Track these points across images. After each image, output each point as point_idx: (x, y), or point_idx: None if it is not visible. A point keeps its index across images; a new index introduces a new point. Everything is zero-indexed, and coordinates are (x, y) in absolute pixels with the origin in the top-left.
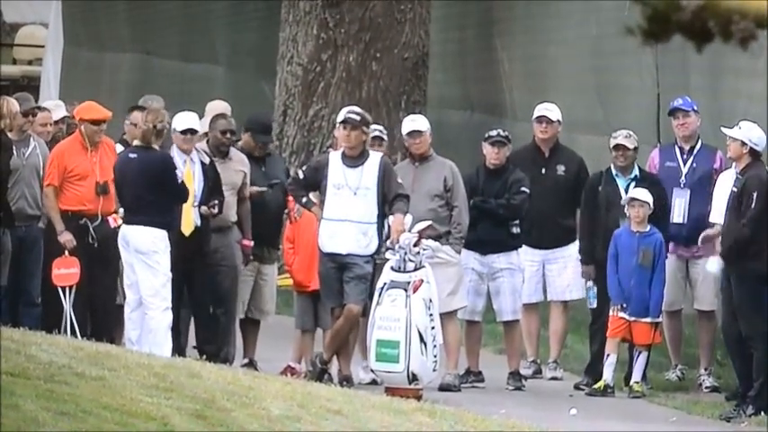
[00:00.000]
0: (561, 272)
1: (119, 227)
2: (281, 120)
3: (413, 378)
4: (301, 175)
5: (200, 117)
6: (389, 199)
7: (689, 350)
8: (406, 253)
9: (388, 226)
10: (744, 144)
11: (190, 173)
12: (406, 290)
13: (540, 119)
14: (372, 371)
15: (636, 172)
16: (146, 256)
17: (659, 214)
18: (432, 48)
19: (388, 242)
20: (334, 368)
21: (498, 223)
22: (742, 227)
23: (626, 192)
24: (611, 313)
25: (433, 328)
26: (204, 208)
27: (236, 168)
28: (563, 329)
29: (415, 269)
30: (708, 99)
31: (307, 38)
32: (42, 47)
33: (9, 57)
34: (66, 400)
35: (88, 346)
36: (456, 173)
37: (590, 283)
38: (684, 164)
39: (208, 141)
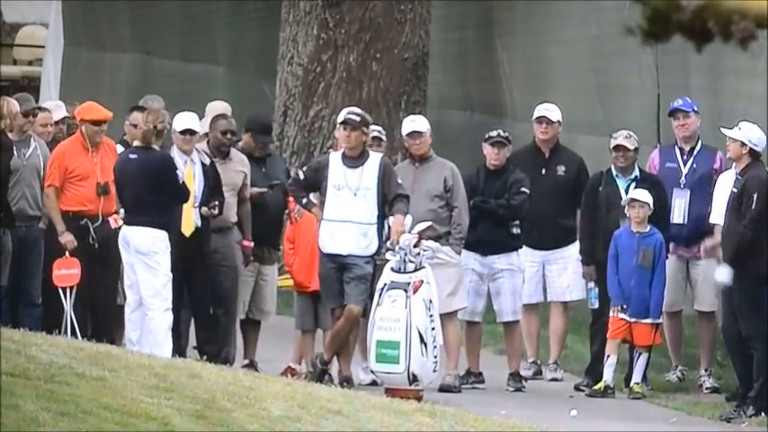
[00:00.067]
0: (561, 272)
1: (119, 227)
2: (281, 120)
3: (413, 379)
4: (301, 176)
5: (201, 117)
6: (389, 199)
7: (689, 351)
8: (406, 254)
9: (389, 227)
10: (743, 145)
11: (190, 173)
12: (406, 290)
13: (541, 119)
14: (372, 372)
15: (636, 173)
16: (146, 257)
17: (659, 215)
18: (432, 48)
19: (388, 243)
20: (334, 369)
21: (498, 224)
22: (742, 228)
23: (626, 192)
24: (611, 314)
25: (433, 328)
26: (204, 209)
27: (236, 169)
28: (563, 330)
29: (416, 270)
30: (708, 100)
31: (307, 38)
32: (42, 47)
33: (9, 57)
34: (66, 401)
35: (88, 347)
36: (456, 173)
37: (591, 284)
38: (684, 164)
39: (208, 142)
